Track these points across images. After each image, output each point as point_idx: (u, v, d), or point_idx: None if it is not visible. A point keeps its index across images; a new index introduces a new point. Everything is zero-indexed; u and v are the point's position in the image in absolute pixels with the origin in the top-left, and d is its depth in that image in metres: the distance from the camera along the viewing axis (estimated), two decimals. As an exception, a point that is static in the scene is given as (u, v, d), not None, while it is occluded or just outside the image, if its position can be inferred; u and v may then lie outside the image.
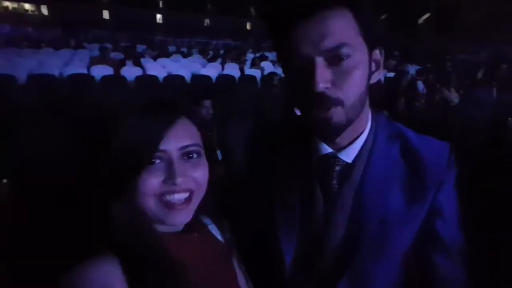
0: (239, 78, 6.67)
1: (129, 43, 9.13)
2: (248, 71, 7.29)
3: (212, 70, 6.95)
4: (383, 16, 14.11)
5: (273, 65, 8.58)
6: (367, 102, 0.68)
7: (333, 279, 0.68)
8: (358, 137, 0.69)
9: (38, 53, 7.38)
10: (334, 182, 0.69)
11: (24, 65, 5.60)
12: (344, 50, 0.59)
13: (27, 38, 8.92)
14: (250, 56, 9.37)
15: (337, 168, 0.69)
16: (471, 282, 0.69)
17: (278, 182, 0.73)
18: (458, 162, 0.70)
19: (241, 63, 7.92)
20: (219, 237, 0.73)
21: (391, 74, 6.79)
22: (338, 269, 0.67)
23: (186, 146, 0.61)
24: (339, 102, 0.61)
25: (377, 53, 0.67)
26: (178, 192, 0.60)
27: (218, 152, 2.86)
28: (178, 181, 0.58)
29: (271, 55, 10.92)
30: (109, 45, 8.14)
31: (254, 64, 7.80)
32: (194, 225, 0.66)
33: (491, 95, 3.25)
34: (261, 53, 10.72)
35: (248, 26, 17.30)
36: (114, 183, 0.59)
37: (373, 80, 0.67)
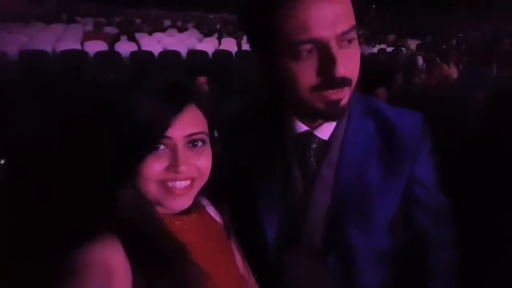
0: (236, 53, 6.55)
1: (124, 17, 8.87)
2: (246, 46, 7.14)
3: (208, 45, 6.81)
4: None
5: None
6: None
7: (321, 254, 0.70)
8: None
9: (28, 28, 7.17)
10: (312, 160, 0.70)
11: (15, 40, 5.45)
12: (353, 33, 0.59)
13: (15, 12, 8.61)
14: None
15: (314, 146, 0.70)
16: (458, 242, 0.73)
17: (257, 161, 0.74)
18: (432, 131, 0.72)
19: (238, 38, 7.75)
20: (217, 218, 0.74)
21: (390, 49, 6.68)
22: (325, 244, 0.70)
23: (192, 134, 0.60)
24: (349, 83, 0.61)
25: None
26: (180, 179, 0.60)
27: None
28: (181, 169, 0.58)
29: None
30: (103, 20, 7.92)
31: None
32: (193, 206, 0.66)
33: (490, 71, 3.22)
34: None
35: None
36: (118, 166, 0.58)
37: None
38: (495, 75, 3.16)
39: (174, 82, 0.62)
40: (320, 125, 0.69)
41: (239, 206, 0.73)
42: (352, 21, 0.59)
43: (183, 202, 0.61)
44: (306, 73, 0.59)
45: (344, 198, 0.68)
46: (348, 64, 0.59)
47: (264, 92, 0.79)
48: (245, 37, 7.92)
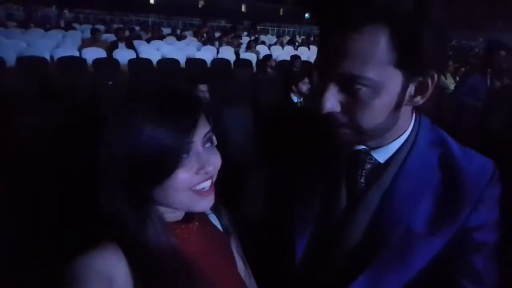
0: (234, 62, 6.59)
1: (122, 25, 8.92)
2: (244, 54, 7.20)
3: (207, 54, 6.84)
4: None
5: (269, 48, 8.48)
6: (403, 116, 0.62)
7: (346, 280, 0.65)
8: (396, 139, 0.65)
9: (26, 33, 7.18)
10: (362, 180, 0.66)
11: (13, 46, 5.45)
12: (360, 82, 0.53)
13: (14, 18, 8.65)
14: (245, 39, 9.24)
15: (368, 166, 0.66)
16: None
17: (302, 172, 0.71)
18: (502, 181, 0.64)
19: (236, 46, 7.82)
20: (218, 226, 0.73)
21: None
22: (353, 270, 0.65)
23: (206, 133, 0.61)
24: (348, 126, 0.58)
25: (420, 81, 0.57)
26: (207, 180, 0.60)
27: (214, 137, 2.84)
28: (209, 170, 0.59)
29: (267, 39, 10.78)
30: (101, 27, 7.97)
31: (250, 47, 7.70)
32: (195, 214, 0.66)
33: (485, 83, 3.26)
34: (256, 36, 10.57)
35: (243, 9, 16.97)
36: (146, 182, 0.57)
37: (414, 103, 0.59)
38: (490, 85, 3.20)
39: (187, 94, 0.61)
40: (379, 146, 0.65)
41: (274, 212, 0.72)
42: (361, 70, 0.52)
43: (210, 202, 0.62)
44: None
45: (384, 229, 0.63)
46: (348, 107, 0.56)
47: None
48: (243, 46, 8.02)
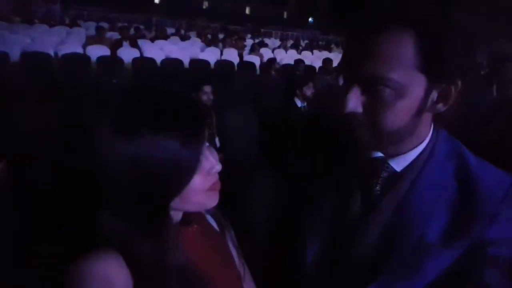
0: (238, 64, 6.60)
1: (126, 23, 8.94)
2: (247, 57, 7.20)
3: (210, 55, 6.85)
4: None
5: (272, 52, 8.50)
6: (423, 124, 0.62)
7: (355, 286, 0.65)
8: (414, 148, 0.65)
9: (31, 29, 7.19)
10: (377, 188, 0.66)
11: (18, 42, 5.46)
12: (384, 83, 0.54)
13: (18, 13, 8.65)
14: (249, 41, 9.26)
15: (384, 174, 0.65)
16: None
17: (316, 179, 0.71)
18: None
19: (240, 48, 7.83)
20: (215, 226, 0.73)
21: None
22: (364, 278, 0.65)
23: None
24: (367, 129, 0.59)
25: (444, 87, 0.58)
26: (217, 177, 0.62)
27: (217, 139, 2.85)
28: (218, 168, 0.60)
29: (270, 42, 10.81)
30: (105, 24, 7.98)
31: (253, 50, 7.71)
32: (194, 217, 0.66)
33: (491, 93, 3.26)
34: (260, 38, 10.61)
35: (247, 11, 17.03)
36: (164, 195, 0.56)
37: (436, 110, 0.60)
38: (496, 97, 3.20)
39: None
40: (396, 154, 0.65)
41: (285, 218, 0.71)
42: (385, 73, 0.53)
43: (218, 196, 0.63)
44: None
45: (397, 238, 0.63)
46: (369, 108, 0.57)
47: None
48: (246, 48, 8.03)
